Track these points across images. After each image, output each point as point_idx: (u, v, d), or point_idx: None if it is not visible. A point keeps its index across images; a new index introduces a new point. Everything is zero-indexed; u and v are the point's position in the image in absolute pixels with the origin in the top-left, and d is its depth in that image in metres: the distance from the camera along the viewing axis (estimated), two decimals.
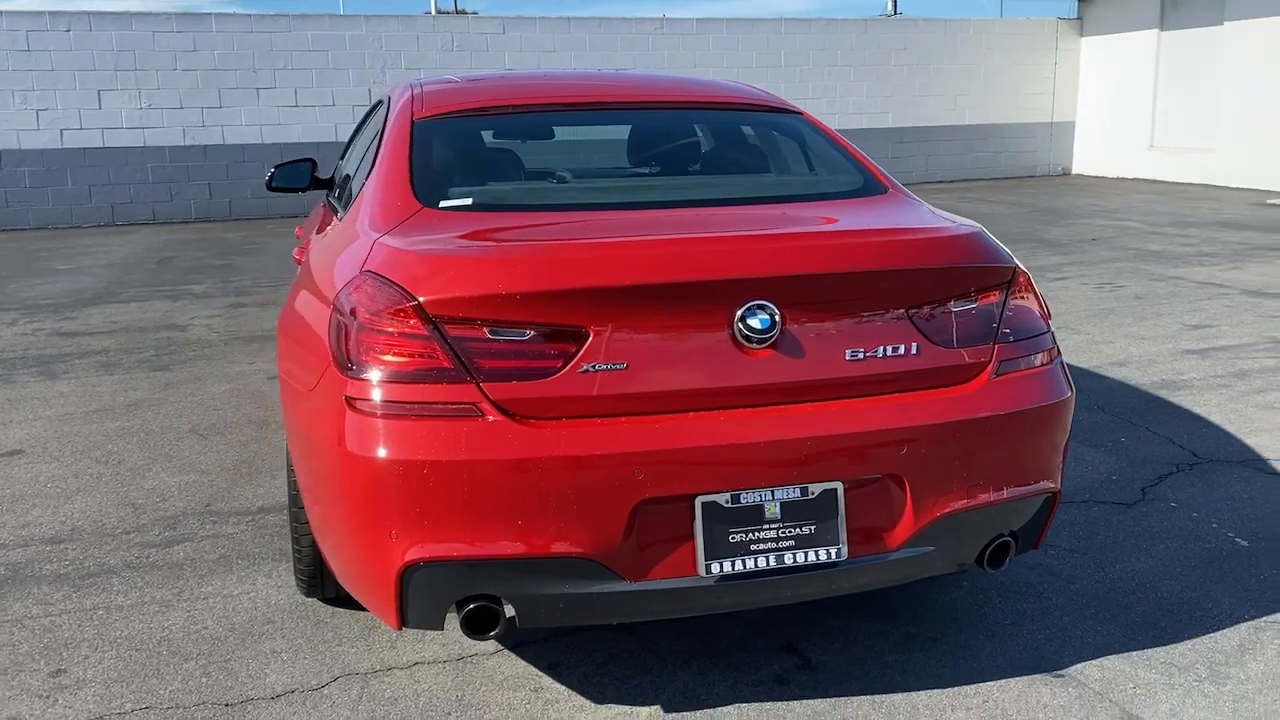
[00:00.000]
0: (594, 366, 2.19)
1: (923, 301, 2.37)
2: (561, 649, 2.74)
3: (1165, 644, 2.73)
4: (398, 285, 2.23)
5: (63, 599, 3.10)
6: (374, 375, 2.20)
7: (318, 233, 3.74)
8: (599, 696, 2.55)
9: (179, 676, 2.67)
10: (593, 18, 14.47)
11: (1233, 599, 2.97)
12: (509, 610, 2.23)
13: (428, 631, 2.85)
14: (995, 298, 2.47)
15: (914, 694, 2.53)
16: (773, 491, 2.24)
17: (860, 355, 2.31)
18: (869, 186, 2.96)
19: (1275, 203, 12.75)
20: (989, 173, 16.68)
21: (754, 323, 2.23)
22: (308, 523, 2.71)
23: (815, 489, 2.26)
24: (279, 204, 13.60)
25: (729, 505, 2.22)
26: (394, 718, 2.47)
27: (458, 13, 17.60)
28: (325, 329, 2.40)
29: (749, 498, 2.23)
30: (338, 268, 2.59)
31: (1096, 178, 16.72)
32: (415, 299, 2.20)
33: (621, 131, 3.39)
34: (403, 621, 2.26)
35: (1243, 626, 2.82)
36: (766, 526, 2.25)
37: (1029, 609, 2.93)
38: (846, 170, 3.07)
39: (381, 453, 2.16)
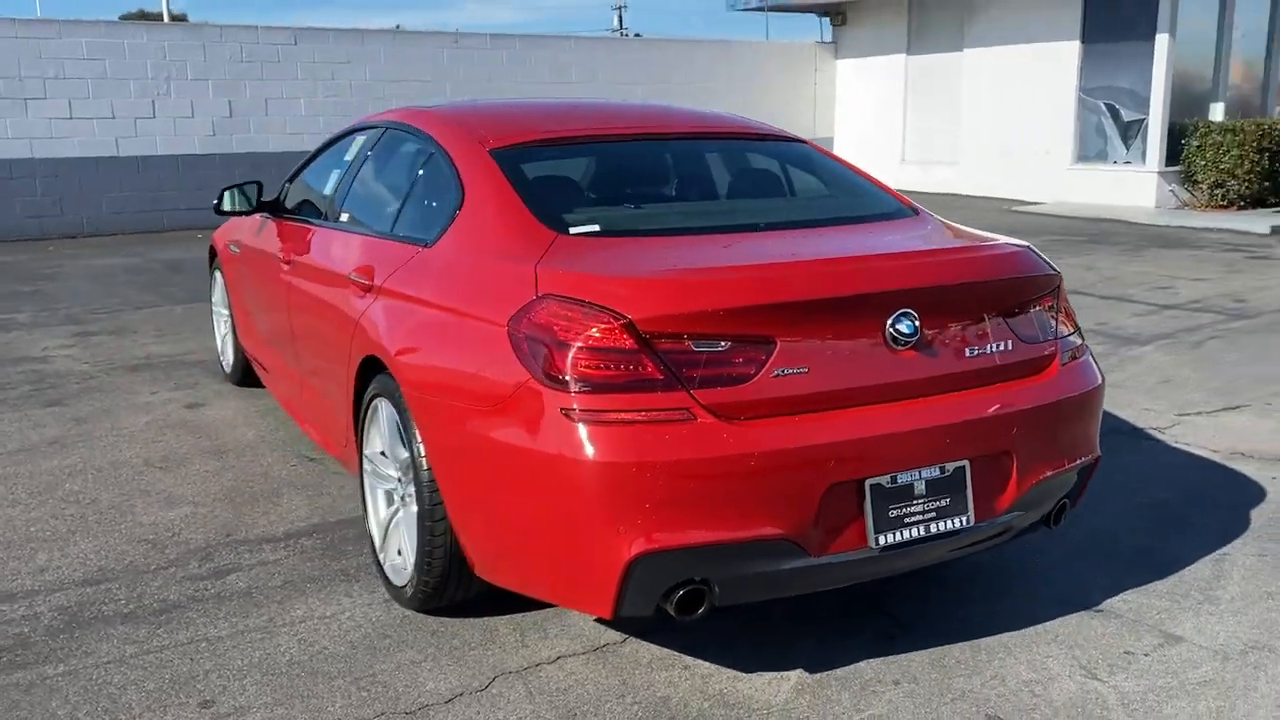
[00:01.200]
0: (783, 371, 2.51)
1: (1010, 305, 2.85)
2: (686, 633, 3.02)
3: (1158, 579, 3.35)
4: (603, 307, 2.46)
5: (149, 637, 3.05)
6: (590, 388, 2.43)
7: (320, 255, 3.81)
8: (745, 666, 2.85)
9: (337, 694, 2.74)
10: (386, 30, 14.36)
11: (1187, 541, 3.65)
12: (715, 591, 2.51)
13: (552, 629, 3.05)
14: (1051, 301, 2.98)
15: (999, 636, 3.00)
16: (920, 471, 2.64)
17: (976, 352, 2.76)
18: (902, 208, 3.43)
19: (1018, 209, 14.48)
20: None
21: (902, 328, 2.63)
22: (444, 535, 2.86)
23: (950, 467, 2.68)
24: (54, 223, 12.64)
25: (889, 485, 2.61)
26: (574, 706, 2.68)
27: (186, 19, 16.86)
28: (503, 350, 2.58)
29: (903, 478, 2.62)
30: (482, 292, 2.77)
31: None
32: (625, 318, 2.44)
33: (674, 159, 3.67)
34: (617, 611, 2.49)
35: (1206, 560, 3.49)
36: (915, 501, 2.65)
37: (1043, 562, 3.48)
38: (876, 193, 3.53)
39: (609, 457, 2.39)
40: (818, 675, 2.81)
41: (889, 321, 2.62)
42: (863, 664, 2.86)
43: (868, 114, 18.01)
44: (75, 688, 2.78)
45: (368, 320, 3.26)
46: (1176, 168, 14.17)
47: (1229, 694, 2.70)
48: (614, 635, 3.03)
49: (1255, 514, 3.88)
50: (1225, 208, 13.87)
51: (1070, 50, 14.85)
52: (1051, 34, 15.03)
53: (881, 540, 2.60)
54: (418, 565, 3.00)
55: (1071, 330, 3.06)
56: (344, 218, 3.97)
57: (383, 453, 3.28)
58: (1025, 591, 3.28)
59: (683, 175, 3.64)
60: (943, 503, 2.68)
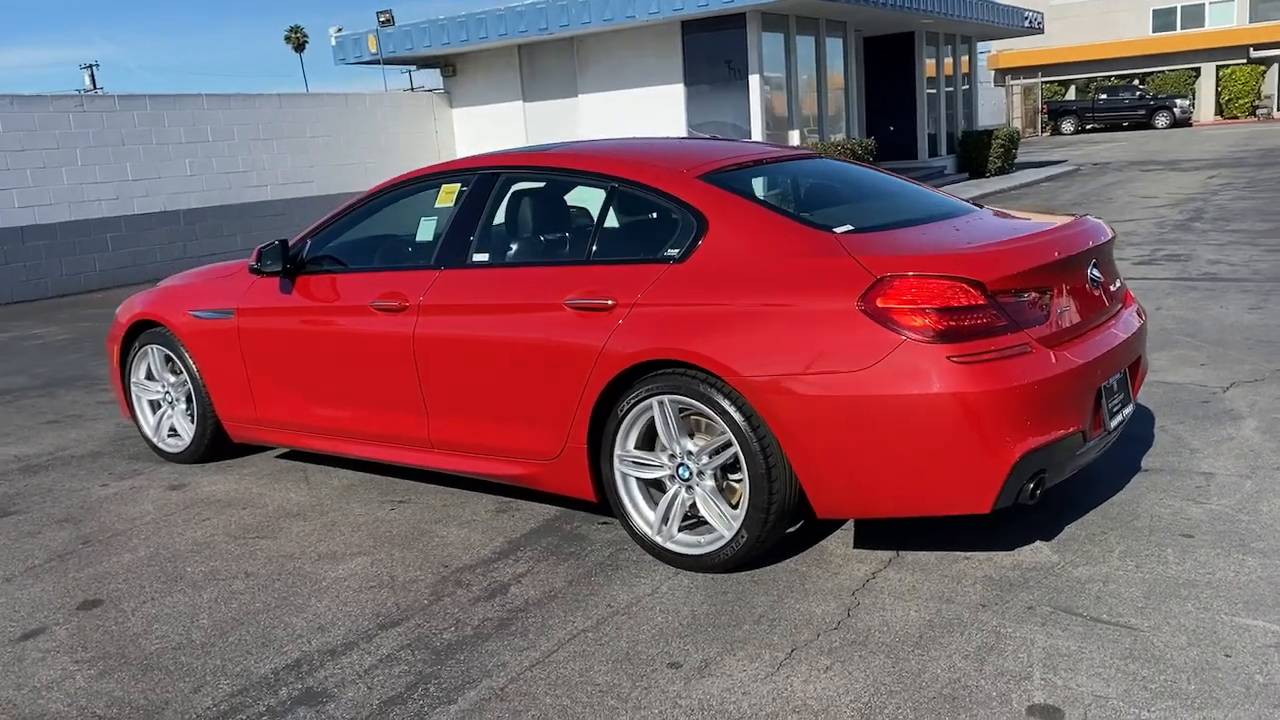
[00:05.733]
0: (1060, 310, 3.49)
1: (1111, 256, 4.04)
2: (926, 542, 3.85)
3: (1148, 447, 4.72)
4: (956, 276, 3.27)
5: (532, 644, 3.28)
6: (964, 337, 3.23)
7: (481, 293, 4.12)
8: (999, 548, 3.76)
9: (762, 631, 3.25)
10: (4, 96, 12.86)
11: (1131, 426, 5.09)
12: (1046, 477, 3.40)
13: (831, 564, 3.73)
14: None
15: (1116, 497, 4.16)
16: (1115, 375, 3.73)
17: (1112, 290, 3.91)
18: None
19: None
20: None
21: (1095, 273, 3.71)
22: (781, 491, 3.46)
23: (1123, 371, 3.80)
24: None
25: (1106, 386, 3.66)
26: (939, 591, 3.41)
27: None
28: (860, 323, 3.28)
29: (1111, 380, 3.69)
30: (798, 285, 3.42)
31: None
32: (979, 281, 3.27)
33: (802, 175, 4.42)
34: (995, 504, 3.29)
35: (1159, 433, 4.94)
36: (1114, 397, 3.73)
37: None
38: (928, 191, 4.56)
39: (995, 385, 3.21)
40: (1055, 540, 3.79)
41: (1089, 270, 3.69)
42: (1069, 529, 3.89)
43: None
44: (542, 685, 3.02)
45: (629, 334, 3.68)
46: None
47: (1276, 489, 4.08)
48: (884, 554, 3.78)
49: (1144, 403, 5.44)
50: None
51: (676, 92, 17.00)
52: (658, 79, 17.09)
53: (1110, 425, 3.66)
54: (747, 524, 3.53)
55: None
56: (481, 258, 4.24)
57: (653, 446, 3.75)
58: (1087, 472, 4.48)
59: (818, 186, 4.42)
60: (1122, 396, 3.80)
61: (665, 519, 3.76)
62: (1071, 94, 51.76)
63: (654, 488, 3.86)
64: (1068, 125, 46.91)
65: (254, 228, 15.74)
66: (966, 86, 25.45)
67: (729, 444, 3.55)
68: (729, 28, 16.26)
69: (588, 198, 4.17)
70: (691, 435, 3.73)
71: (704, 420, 3.68)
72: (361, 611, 3.61)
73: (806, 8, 16.80)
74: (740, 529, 3.57)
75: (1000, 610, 3.29)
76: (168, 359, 5.45)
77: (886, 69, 22.34)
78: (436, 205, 4.53)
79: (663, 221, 3.92)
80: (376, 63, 18.76)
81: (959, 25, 22.29)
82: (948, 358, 3.22)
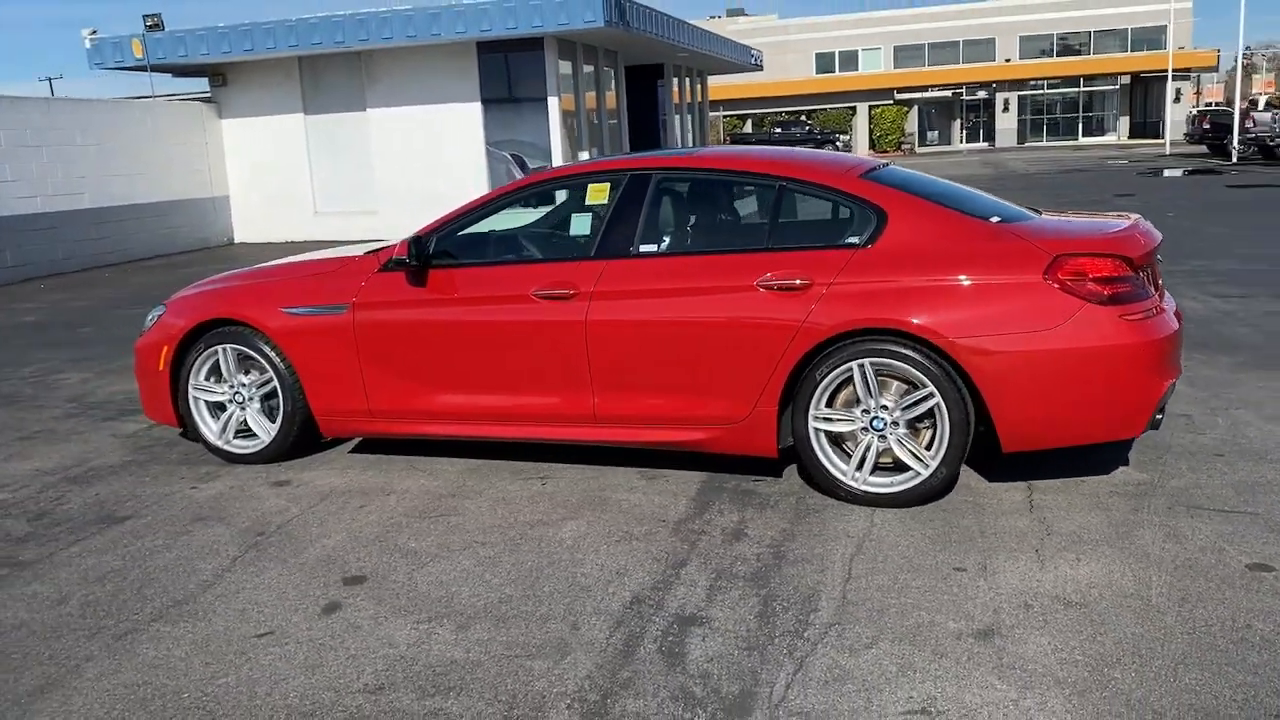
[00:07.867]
0: (1155, 286, 4.54)
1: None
2: (1016, 473, 4.79)
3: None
4: (1113, 254, 4.24)
5: (828, 562, 3.88)
6: (1126, 301, 4.20)
7: (664, 279, 4.65)
8: (1099, 471, 4.75)
9: (980, 545, 4.03)
10: None
11: None
12: (1163, 411, 4.43)
13: (982, 495, 4.58)
14: None
15: (1156, 439, 5.30)
16: None
17: (1159, 269, 5.04)
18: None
19: None
20: (175, 247, 17.23)
21: (1159, 255, 4.81)
22: (973, 433, 4.28)
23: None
24: None
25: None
26: (1094, 503, 4.34)
27: None
28: (1048, 292, 4.17)
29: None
30: (989, 263, 4.26)
31: (264, 244, 18.50)
32: (1130, 258, 4.26)
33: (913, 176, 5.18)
34: (1145, 429, 4.27)
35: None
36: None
37: None
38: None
39: (1152, 336, 4.21)
40: (1133, 465, 4.83)
41: (1156, 257, 4.78)
42: (1133, 457, 4.96)
43: (268, 170, 18.39)
44: (872, 593, 3.64)
45: (829, 309, 4.33)
46: None
47: (1244, 420, 5.37)
48: (1019, 484, 4.67)
49: None
50: None
51: (473, 110, 17.33)
52: (453, 96, 17.34)
53: (1179, 369, 4.76)
54: (945, 461, 4.31)
55: None
56: (648, 248, 4.71)
57: (849, 404, 4.43)
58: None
59: (923, 186, 5.19)
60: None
61: (860, 465, 4.45)
62: (749, 127, 56.27)
63: (831, 441, 4.53)
64: None
65: (24, 242, 14.39)
66: (701, 115, 27.43)
67: (928, 396, 4.30)
68: (527, 50, 16.83)
69: (750, 195, 4.78)
70: (879, 392, 4.45)
71: (886, 379, 4.40)
72: (637, 559, 4.01)
73: (591, 36, 17.70)
74: (939, 466, 4.34)
75: (1150, 511, 4.27)
76: (242, 358, 5.40)
77: (641, 97, 23.71)
78: (588, 203, 4.95)
79: (837, 214, 4.61)
80: (142, 69, 17.57)
81: (702, 59, 24.10)
82: (1120, 317, 4.17)
